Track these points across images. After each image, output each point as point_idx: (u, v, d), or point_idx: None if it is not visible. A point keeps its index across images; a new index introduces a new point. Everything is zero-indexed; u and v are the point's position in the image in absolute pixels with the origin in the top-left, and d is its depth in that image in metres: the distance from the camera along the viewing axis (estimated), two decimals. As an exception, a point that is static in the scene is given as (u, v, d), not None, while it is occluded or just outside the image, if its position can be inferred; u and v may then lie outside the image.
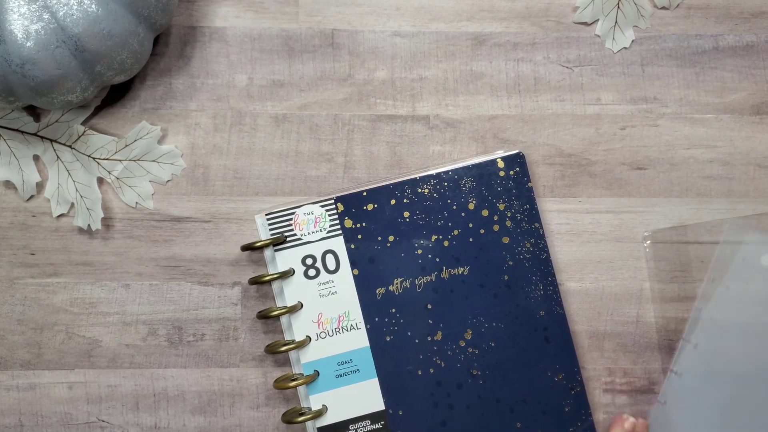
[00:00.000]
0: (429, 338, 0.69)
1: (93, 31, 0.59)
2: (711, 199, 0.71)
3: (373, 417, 0.69)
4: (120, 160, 0.70)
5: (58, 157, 0.70)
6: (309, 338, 0.69)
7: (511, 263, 0.70)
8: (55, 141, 0.70)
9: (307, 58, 0.72)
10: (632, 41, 0.72)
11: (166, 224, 0.71)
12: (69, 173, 0.69)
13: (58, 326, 0.70)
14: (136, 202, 0.70)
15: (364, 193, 0.70)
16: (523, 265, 0.70)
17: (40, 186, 0.70)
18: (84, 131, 0.69)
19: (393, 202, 0.69)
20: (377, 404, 0.69)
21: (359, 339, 0.69)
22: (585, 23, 0.72)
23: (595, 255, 0.71)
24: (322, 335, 0.69)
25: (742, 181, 0.71)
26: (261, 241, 0.68)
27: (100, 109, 0.71)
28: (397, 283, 0.69)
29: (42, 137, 0.70)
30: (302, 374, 0.69)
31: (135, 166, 0.70)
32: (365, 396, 0.69)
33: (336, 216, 0.69)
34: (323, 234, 0.69)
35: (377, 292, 0.69)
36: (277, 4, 0.72)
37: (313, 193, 0.71)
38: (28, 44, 0.58)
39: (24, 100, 0.63)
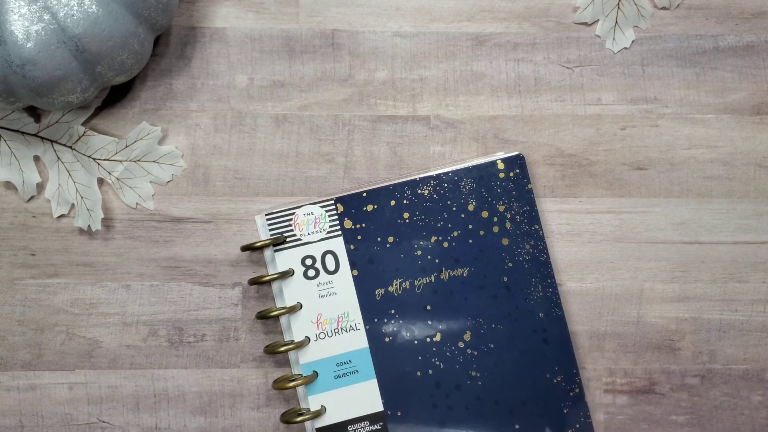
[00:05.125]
0: (428, 339, 0.69)
1: (93, 31, 0.59)
2: (711, 199, 0.71)
3: (371, 418, 0.69)
4: (120, 161, 0.70)
5: (58, 157, 0.70)
6: (308, 339, 0.69)
7: (510, 265, 0.69)
8: (56, 142, 0.70)
9: (307, 59, 0.72)
10: (632, 41, 0.72)
11: (167, 225, 0.71)
12: (69, 174, 0.69)
13: (59, 327, 0.70)
14: (137, 203, 0.70)
15: (364, 194, 0.70)
16: (523, 266, 0.70)
17: (40, 187, 0.70)
18: (84, 132, 0.69)
19: (393, 203, 0.69)
20: (376, 405, 0.69)
21: (358, 340, 0.69)
22: (585, 23, 0.72)
23: (595, 255, 0.71)
24: (321, 336, 0.69)
25: (743, 182, 0.71)
26: (261, 241, 0.68)
27: (100, 109, 0.71)
28: (396, 284, 0.69)
29: (42, 138, 0.70)
30: (301, 375, 0.69)
31: (135, 167, 0.70)
32: (364, 397, 0.69)
33: (336, 217, 0.69)
34: (323, 234, 0.69)
35: (377, 293, 0.69)
36: (278, 4, 0.72)
37: (313, 194, 0.71)
38: (29, 45, 0.58)
39: (24, 101, 0.63)
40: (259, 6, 0.72)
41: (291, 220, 0.69)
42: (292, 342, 0.68)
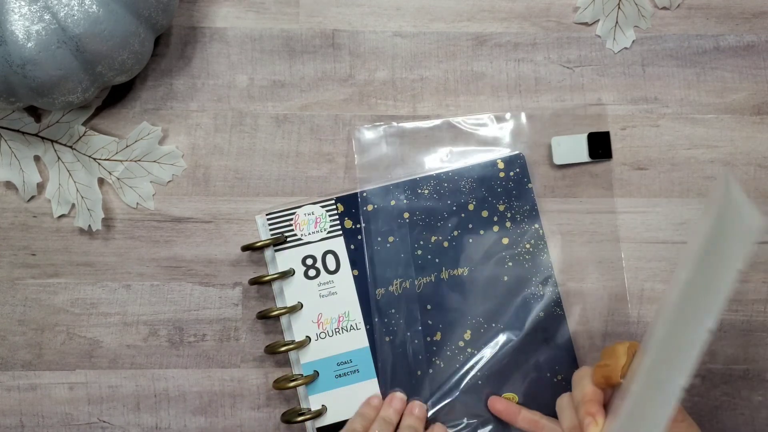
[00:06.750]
0: (428, 339, 0.69)
1: (94, 31, 0.59)
2: (712, 199, 0.71)
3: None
4: (121, 161, 0.70)
5: (58, 157, 0.70)
6: (309, 338, 0.69)
7: (510, 264, 0.69)
8: (56, 141, 0.70)
9: (307, 59, 0.72)
10: (633, 41, 0.72)
11: (167, 225, 0.71)
12: (70, 174, 0.69)
13: (59, 327, 0.70)
14: (137, 203, 0.70)
15: (365, 194, 0.70)
16: (523, 266, 0.70)
17: (40, 187, 0.70)
18: (85, 132, 0.69)
19: (393, 202, 0.69)
20: (377, 405, 0.69)
21: (359, 339, 0.69)
22: (586, 23, 0.72)
23: (595, 255, 0.71)
24: (322, 335, 0.69)
25: (743, 182, 0.71)
26: (261, 241, 0.68)
27: (101, 109, 0.71)
28: (396, 284, 0.69)
29: (43, 138, 0.70)
30: (302, 374, 0.69)
31: (136, 167, 0.70)
32: (365, 396, 0.69)
33: (336, 216, 0.69)
34: (323, 234, 0.69)
35: (377, 292, 0.69)
36: (278, 4, 0.72)
37: (313, 194, 0.71)
38: (29, 45, 0.58)
39: (25, 101, 0.63)
40: (259, 6, 0.72)
41: (291, 219, 0.69)
42: (292, 342, 0.68)
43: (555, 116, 0.71)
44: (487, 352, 0.69)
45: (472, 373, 0.69)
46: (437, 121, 0.71)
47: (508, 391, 0.69)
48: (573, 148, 0.70)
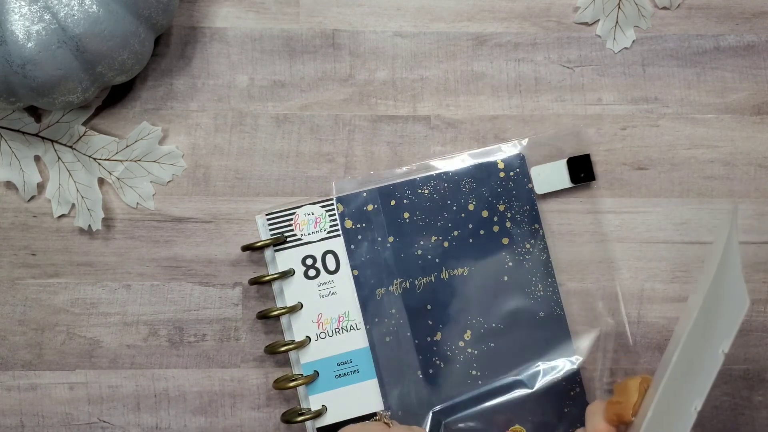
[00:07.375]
0: (428, 339, 0.69)
1: (94, 31, 0.59)
2: (712, 199, 0.71)
3: (372, 417, 0.69)
4: (121, 161, 0.70)
5: (59, 157, 0.70)
6: (309, 338, 0.69)
7: (510, 264, 0.69)
8: (56, 141, 0.70)
9: (308, 59, 0.72)
10: (633, 41, 0.72)
11: (167, 225, 0.71)
12: (70, 174, 0.69)
13: (59, 327, 0.70)
14: (137, 203, 0.70)
15: (365, 194, 0.70)
16: (523, 266, 0.70)
17: (41, 186, 0.70)
18: (85, 132, 0.69)
19: (393, 202, 0.69)
20: (376, 405, 0.69)
21: (359, 339, 0.69)
22: (586, 23, 0.72)
23: (595, 255, 0.71)
24: (322, 335, 0.69)
25: (744, 182, 0.71)
26: (261, 241, 0.68)
27: (101, 109, 0.71)
28: (396, 284, 0.69)
29: (43, 138, 0.70)
30: (302, 374, 0.69)
31: (136, 167, 0.70)
32: (365, 396, 0.69)
33: (336, 216, 0.69)
34: (323, 234, 0.69)
35: (377, 292, 0.69)
36: (278, 4, 0.72)
37: (313, 194, 0.71)
38: (29, 45, 0.58)
39: (25, 101, 0.63)
40: (259, 6, 0.72)
41: (291, 220, 0.69)
42: (292, 342, 0.68)
43: (534, 145, 0.71)
44: (487, 353, 0.69)
45: (473, 373, 0.69)
46: (417, 177, 0.70)
47: (507, 392, 0.69)
48: (554, 175, 0.70)
